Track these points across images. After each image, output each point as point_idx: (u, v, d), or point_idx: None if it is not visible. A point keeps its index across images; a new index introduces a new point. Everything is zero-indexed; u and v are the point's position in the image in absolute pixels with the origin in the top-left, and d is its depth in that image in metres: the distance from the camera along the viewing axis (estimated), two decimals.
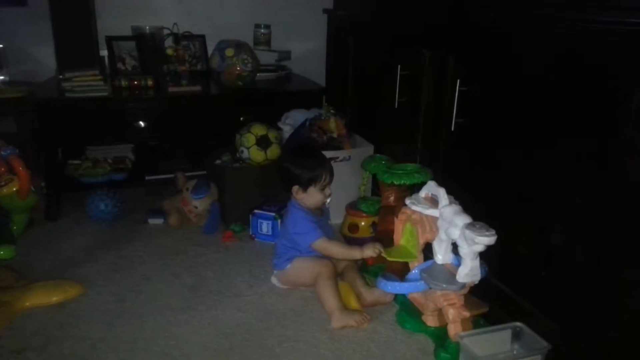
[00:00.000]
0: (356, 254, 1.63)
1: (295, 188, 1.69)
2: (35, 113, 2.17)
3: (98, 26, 2.55)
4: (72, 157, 2.49)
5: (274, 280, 1.75)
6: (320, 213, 1.77)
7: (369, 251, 1.60)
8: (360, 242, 1.76)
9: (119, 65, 2.50)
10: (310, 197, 1.69)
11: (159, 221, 2.19)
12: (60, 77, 2.32)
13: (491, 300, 1.49)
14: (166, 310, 1.61)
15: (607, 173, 1.12)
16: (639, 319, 1.11)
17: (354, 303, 1.60)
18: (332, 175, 1.73)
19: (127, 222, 2.18)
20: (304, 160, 1.70)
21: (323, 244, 1.65)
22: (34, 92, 2.25)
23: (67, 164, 2.46)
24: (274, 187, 2.16)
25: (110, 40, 2.49)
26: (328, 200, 1.75)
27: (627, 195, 1.09)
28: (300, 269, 1.66)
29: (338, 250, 1.66)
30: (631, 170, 1.08)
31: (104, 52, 2.53)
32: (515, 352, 1.36)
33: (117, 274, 1.80)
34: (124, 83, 2.37)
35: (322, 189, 1.70)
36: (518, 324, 1.38)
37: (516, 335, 1.38)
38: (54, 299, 1.62)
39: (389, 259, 1.55)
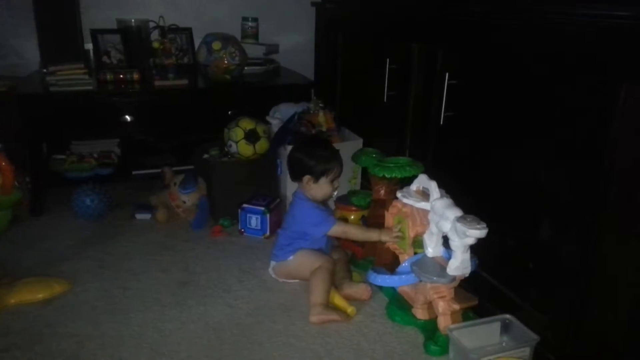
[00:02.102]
0: (374, 235, 1.63)
1: (306, 178, 1.69)
2: (19, 107, 2.13)
3: (82, 19, 2.51)
4: (57, 151, 2.44)
5: (270, 271, 1.74)
6: (325, 205, 1.77)
7: (386, 236, 1.59)
8: None
9: (104, 58, 2.47)
10: (320, 188, 1.70)
11: (146, 216, 2.17)
12: (44, 71, 2.28)
13: (480, 292, 1.50)
14: (155, 306, 1.59)
15: (595, 166, 1.12)
16: (625, 311, 1.12)
17: (337, 300, 1.60)
18: (342, 168, 1.74)
19: (113, 218, 2.16)
20: (319, 151, 1.70)
21: (341, 228, 1.67)
22: (17, 87, 2.21)
23: (52, 159, 2.42)
24: (262, 181, 2.16)
25: (95, 33, 2.46)
26: (335, 194, 1.76)
27: (615, 188, 1.10)
28: (302, 261, 1.65)
29: (356, 232, 1.67)
30: (618, 163, 1.08)
31: (89, 46, 2.50)
32: (504, 344, 1.37)
33: (104, 270, 1.78)
34: (109, 77, 2.35)
35: (332, 182, 1.70)
36: (507, 316, 1.39)
37: (505, 328, 1.39)
38: (40, 296, 1.60)
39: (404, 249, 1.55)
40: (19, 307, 1.56)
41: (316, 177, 1.68)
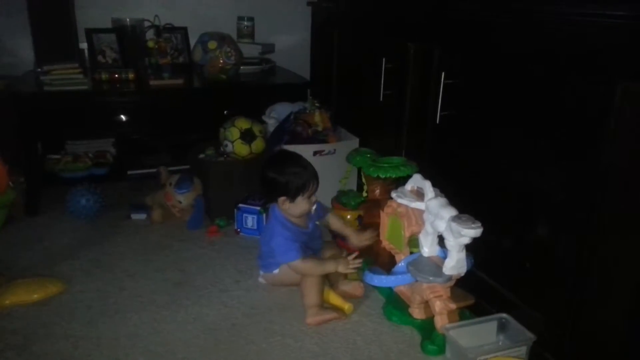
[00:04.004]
0: (330, 267, 1.58)
1: (281, 199, 1.60)
2: (14, 107, 2.12)
3: (77, 18, 2.50)
4: (52, 151, 2.44)
5: (260, 279, 1.73)
6: (304, 223, 1.66)
7: (342, 267, 1.57)
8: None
9: (99, 58, 2.45)
10: (297, 206, 1.60)
11: (141, 216, 2.16)
12: (39, 70, 2.27)
13: (477, 292, 1.50)
14: (150, 306, 1.59)
15: (591, 165, 1.13)
16: (621, 310, 1.12)
17: (332, 298, 1.59)
18: (317, 181, 1.63)
19: (109, 218, 2.15)
20: (290, 168, 1.60)
21: (299, 265, 1.56)
22: (12, 86, 2.20)
23: (47, 159, 2.41)
24: (258, 181, 2.15)
25: (90, 32, 2.45)
26: (314, 207, 1.66)
27: (610, 187, 1.10)
28: (289, 271, 1.61)
29: (313, 269, 1.57)
30: (615, 162, 1.08)
31: (84, 45, 2.48)
32: (500, 343, 1.37)
33: (99, 271, 1.77)
34: (104, 76, 2.34)
35: (309, 197, 1.61)
36: (503, 315, 1.39)
37: (502, 327, 1.39)
38: (35, 296, 1.59)
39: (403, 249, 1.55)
40: (14, 308, 1.55)
41: (292, 197, 1.58)
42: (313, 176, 1.61)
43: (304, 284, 1.57)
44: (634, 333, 1.11)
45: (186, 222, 2.11)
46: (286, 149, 1.91)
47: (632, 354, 1.12)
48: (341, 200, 1.98)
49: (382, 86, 1.93)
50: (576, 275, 1.19)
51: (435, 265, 1.42)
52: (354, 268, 1.58)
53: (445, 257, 1.38)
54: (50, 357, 1.37)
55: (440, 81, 1.57)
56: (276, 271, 1.66)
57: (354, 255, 1.59)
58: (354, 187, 2.20)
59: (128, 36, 2.51)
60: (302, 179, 1.59)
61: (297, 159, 1.66)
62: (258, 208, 2.01)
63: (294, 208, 1.61)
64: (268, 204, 1.65)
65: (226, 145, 2.11)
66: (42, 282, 1.64)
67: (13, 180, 2.02)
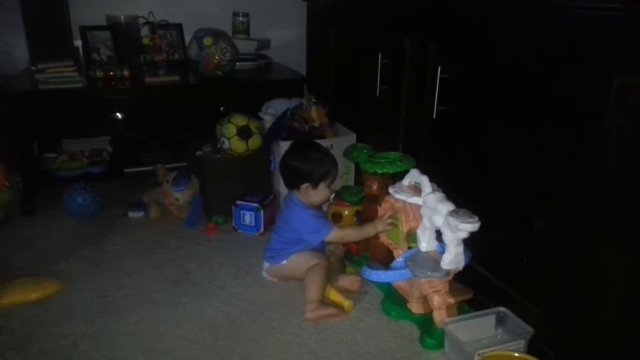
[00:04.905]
0: (370, 230, 1.61)
1: (304, 186, 1.63)
2: (8, 106, 2.11)
3: (71, 15, 2.48)
4: (48, 150, 2.43)
5: (264, 273, 1.73)
6: (319, 208, 1.74)
7: (381, 226, 1.59)
8: None
9: (94, 55, 2.44)
10: (319, 194, 1.65)
11: (139, 214, 2.15)
12: (33, 68, 2.25)
13: (475, 286, 1.50)
14: (149, 304, 1.58)
15: (588, 159, 1.13)
16: (619, 303, 1.13)
17: (332, 295, 1.59)
18: (337, 168, 1.69)
19: (106, 216, 2.14)
20: (312, 155, 1.65)
21: (339, 233, 1.64)
22: (6, 85, 2.19)
23: (43, 158, 2.40)
24: (256, 177, 2.16)
25: (84, 30, 2.43)
26: (332, 196, 1.71)
27: (607, 181, 1.10)
28: (297, 263, 1.63)
29: (353, 233, 1.66)
30: (611, 156, 1.08)
31: (78, 43, 2.47)
32: (499, 337, 1.37)
33: (97, 269, 1.77)
34: (99, 74, 2.33)
35: (330, 185, 1.66)
36: (502, 309, 1.39)
37: (500, 321, 1.39)
38: (33, 296, 1.59)
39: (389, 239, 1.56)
40: (12, 308, 1.54)
41: (315, 184, 1.63)
42: (334, 164, 1.67)
43: (307, 277, 1.57)
44: (630, 326, 1.11)
45: (184, 219, 2.11)
46: (307, 139, 1.98)
47: (629, 347, 1.12)
48: (343, 196, 1.98)
49: (378, 81, 1.93)
50: (573, 269, 1.19)
51: (434, 260, 1.42)
52: (390, 223, 1.57)
53: (443, 252, 1.39)
54: (49, 356, 1.36)
55: (437, 76, 1.56)
56: (284, 262, 1.66)
57: (388, 214, 1.58)
58: (352, 183, 2.20)
59: (123, 33, 2.49)
60: (326, 166, 1.64)
61: (319, 147, 1.73)
62: (256, 205, 2.01)
63: (316, 195, 1.65)
64: (291, 189, 1.70)
65: (223, 142, 2.10)
66: (40, 281, 1.64)
67: (9, 180, 2.01)
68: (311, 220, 1.63)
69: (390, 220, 1.57)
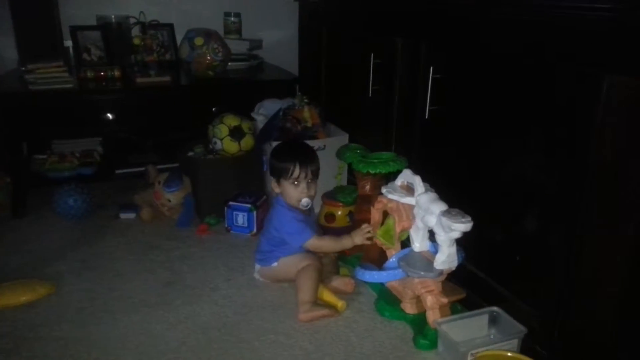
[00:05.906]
0: (347, 243, 1.61)
1: (272, 182, 1.68)
2: None
3: (61, 15, 2.46)
4: (38, 151, 2.40)
5: (256, 275, 1.72)
6: (307, 212, 1.70)
7: (359, 238, 1.59)
8: (337, 232, 1.76)
9: (84, 55, 2.42)
10: (286, 190, 1.64)
11: (130, 216, 2.14)
12: (23, 69, 2.23)
13: (468, 286, 1.51)
14: (141, 306, 1.57)
15: (580, 158, 1.13)
16: (612, 303, 1.13)
17: (326, 295, 1.59)
18: (305, 170, 1.62)
19: (97, 218, 2.13)
20: (281, 152, 1.68)
21: (316, 242, 1.62)
22: None
23: (33, 159, 2.37)
24: (248, 178, 2.15)
25: (74, 30, 2.42)
26: (304, 201, 1.64)
27: (597, 181, 1.11)
28: (288, 265, 1.62)
29: (330, 244, 1.64)
30: (603, 155, 1.09)
31: (68, 43, 2.45)
32: (492, 337, 1.38)
33: (88, 272, 1.76)
34: (89, 74, 2.31)
35: (294, 184, 1.63)
36: (495, 308, 1.40)
37: (493, 320, 1.40)
38: (23, 299, 1.57)
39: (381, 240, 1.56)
40: (2, 311, 1.53)
41: (276, 179, 1.65)
42: (301, 162, 1.62)
43: (299, 279, 1.57)
44: (623, 326, 1.12)
45: (176, 220, 2.10)
46: (294, 138, 2.00)
47: (621, 346, 1.13)
48: (337, 196, 1.97)
49: (370, 81, 1.93)
50: (566, 268, 1.20)
51: (426, 260, 1.42)
52: (368, 237, 1.58)
53: (436, 252, 1.39)
54: (40, 359, 1.35)
55: (429, 76, 1.57)
56: (275, 264, 1.66)
57: (366, 225, 1.59)
58: (345, 183, 2.20)
59: (113, 33, 2.48)
60: (286, 163, 1.62)
61: (291, 145, 1.74)
62: (248, 205, 2.00)
63: (284, 193, 1.65)
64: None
65: (215, 143, 2.09)
66: (31, 284, 1.62)
67: None
68: (292, 222, 1.62)
69: (369, 235, 1.58)
